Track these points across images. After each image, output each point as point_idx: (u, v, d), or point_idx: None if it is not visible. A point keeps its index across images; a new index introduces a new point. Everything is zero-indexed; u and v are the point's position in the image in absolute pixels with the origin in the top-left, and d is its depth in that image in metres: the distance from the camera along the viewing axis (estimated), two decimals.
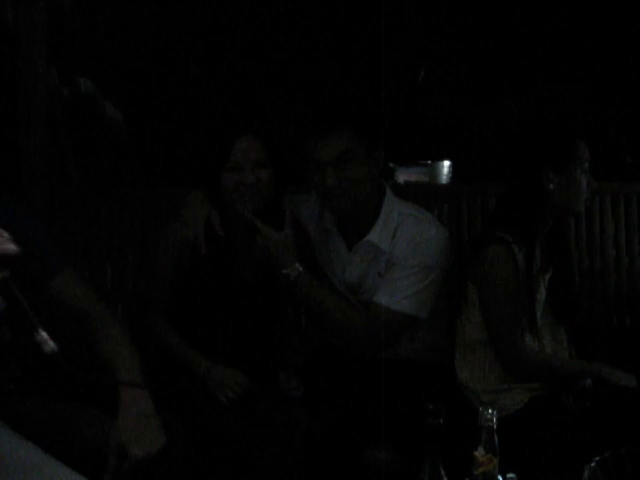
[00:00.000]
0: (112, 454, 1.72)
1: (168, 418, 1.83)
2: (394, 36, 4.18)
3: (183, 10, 4.29)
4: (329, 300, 2.39)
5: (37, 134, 2.94)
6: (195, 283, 2.40)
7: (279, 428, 2.25)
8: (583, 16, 4.28)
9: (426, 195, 3.25)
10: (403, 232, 2.41)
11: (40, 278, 1.83)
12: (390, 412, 2.19)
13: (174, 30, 4.31)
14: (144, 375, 1.85)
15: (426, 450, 1.50)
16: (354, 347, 2.49)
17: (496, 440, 1.52)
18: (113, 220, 3.11)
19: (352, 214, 2.41)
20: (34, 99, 2.94)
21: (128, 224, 3.10)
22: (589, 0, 4.31)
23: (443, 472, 1.50)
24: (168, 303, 2.42)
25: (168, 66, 4.27)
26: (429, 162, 3.80)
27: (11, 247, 1.51)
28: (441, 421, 1.48)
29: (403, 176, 3.76)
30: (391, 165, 3.72)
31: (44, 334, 1.54)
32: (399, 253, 2.39)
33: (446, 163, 3.77)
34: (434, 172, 3.76)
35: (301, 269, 2.34)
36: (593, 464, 1.49)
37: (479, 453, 1.52)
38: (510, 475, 1.59)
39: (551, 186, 2.32)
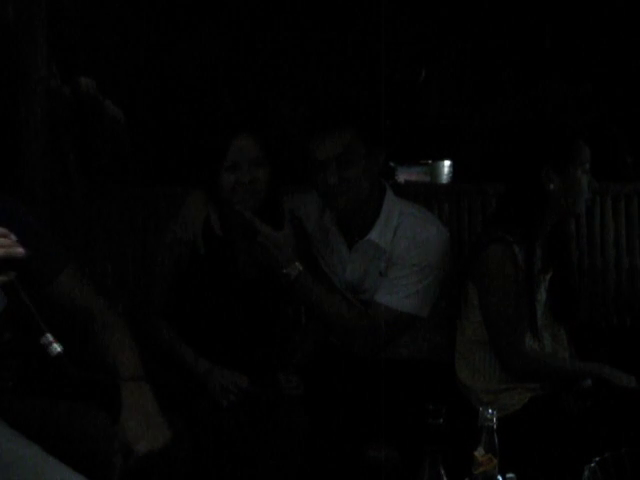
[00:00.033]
0: (117, 453, 1.72)
1: (168, 418, 1.83)
2: (394, 36, 4.18)
3: (183, 10, 4.29)
4: (329, 299, 2.39)
5: (38, 133, 2.94)
6: (194, 283, 2.40)
7: (279, 428, 2.25)
8: (583, 16, 4.28)
9: (426, 195, 3.25)
10: (404, 231, 2.41)
11: (43, 277, 1.83)
12: (390, 412, 2.19)
13: (174, 29, 4.31)
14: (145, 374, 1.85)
15: (426, 450, 1.50)
16: (354, 346, 2.49)
17: (496, 440, 1.52)
18: (114, 219, 3.11)
19: (353, 213, 2.41)
20: (35, 98, 2.94)
21: (129, 223, 3.11)
22: (589, 0, 4.31)
23: (443, 472, 1.50)
24: (167, 303, 2.42)
25: (168, 65, 4.27)
26: (430, 162, 3.81)
27: (18, 250, 1.51)
28: (441, 421, 1.48)
29: (404, 175, 3.76)
30: (392, 164, 3.73)
31: (49, 336, 1.54)
32: (399, 252, 2.39)
33: (447, 163, 3.78)
34: (435, 172, 3.77)
35: (301, 268, 2.33)
36: (593, 464, 1.48)
37: (479, 453, 1.52)
38: (510, 475, 1.58)
39: (552, 186, 2.32)
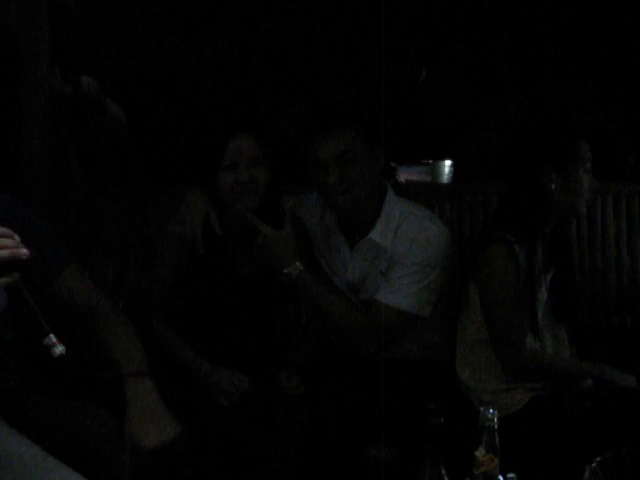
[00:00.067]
0: (125, 451, 1.72)
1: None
2: (395, 35, 4.18)
3: (183, 9, 4.29)
4: (330, 299, 2.39)
5: (39, 133, 2.94)
6: (194, 282, 2.40)
7: (279, 428, 2.25)
8: (584, 15, 4.28)
9: (427, 194, 3.25)
10: (404, 230, 2.41)
11: (46, 276, 1.84)
12: (391, 411, 2.19)
13: (174, 29, 4.31)
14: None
15: (427, 450, 1.50)
16: (355, 346, 2.49)
17: (497, 440, 1.53)
18: (115, 219, 3.11)
19: (354, 212, 2.41)
20: (36, 98, 2.94)
21: (130, 223, 3.11)
22: (590, 0, 4.31)
23: (444, 472, 1.50)
24: (167, 303, 2.42)
25: (168, 65, 4.27)
26: (430, 161, 3.80)
27: (23, 251, 1.51)
28: (442, 421, 1.49)
29: (404, 175, 3.75)
30: (392, 164, 3.72)
31: (53, 337, 1.54)
32: (400, 251, 2.39)
33: (447, 162, 3.77)
34: (435, 171, 3.76)
35: (302, 268, 2.33)
36: (594, 464, 1.49)
37: (480, 453, 1.52)
38: (510, 475, 1.59)
39: (553, 186, 2.32)
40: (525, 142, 2.42)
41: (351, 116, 2.42)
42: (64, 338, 1.55)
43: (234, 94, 4.19)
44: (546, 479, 2.05)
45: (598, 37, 4.21)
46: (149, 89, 4.18)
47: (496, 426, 1.53)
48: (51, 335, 1.54)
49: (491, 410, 1.53)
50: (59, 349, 1.54)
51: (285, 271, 2.33)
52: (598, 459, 1.50)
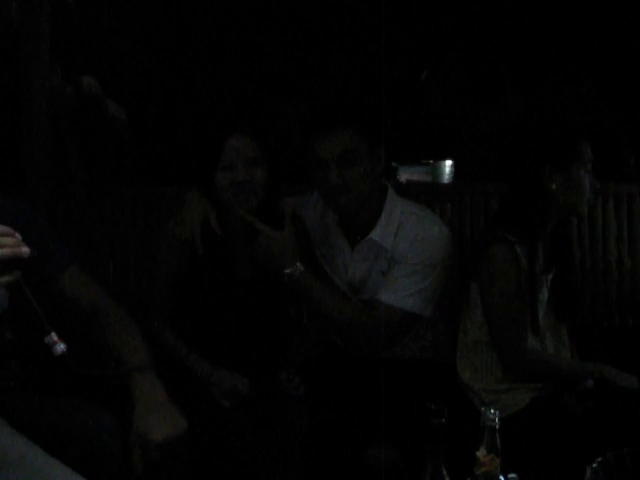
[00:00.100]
0: (134, 448, 1.72)
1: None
2: (396, 35, 4.18)
3: (183, 9, 4.30)
4: (330, 299, 2.39)
5: (40, 132, 2.95)
6: (194, 283, 2.40)
7: (279, 428, 2.25)
8: (586, 15, 4.28)
9: (428, 194, 3.26)
10: (405, 230, 2.41)
11: (48, 275, 1.84)
12: (392, 412, 2.19)
13: (174, 29, 4.31)
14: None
15: (428, 450, 1.50)
16: (356, 346, 2.49)
17: (498, 440, 1.52)
18: (116, 218, 3.11)
19: (354, 212, 2.41)
20: (37, 97, 2.94)
21: (131, 222, 3.11)
22: (592, 0, 4.31)
23: (445, 472, 1.50)
24: (167, 303, 2.41)
25: (168, 64, 4.27)
26: (431, 161, 3.81)
27: (24, 250, 1.50)
28: (443, 421, 1.48)
29: (405, 175, 3.76)
30: (393, 164, 3.73)
31: (54, 335, 1.54)
32: (401, 251, 2.39)
33: (448, 162, 3.77)
34: (436, 171, 3.77)
35: (302, 268, 2.33)
36: (595, 464, 1.48)
37: (481, 453, 1.52)
38: (512, 475, 1.58)
39: (554, 186, 2.31)
40: (526, 142, 2.41)
41: (351, 116, 2.41)
42: (65, 337, 1.55)
43: (233, 94, 4.19)
44: (547, 479, 2.05)
45: (598, 37, 4.21)
46: (149, 89, 4.18)
47: (497, 426, 1.52)
48: (52, 333, 1.54)
49: (492, 410, 1.53)
50: (60, 347, 1.54)
51: (286, 271, 2.32)
52: (599, 459, 1.49)
